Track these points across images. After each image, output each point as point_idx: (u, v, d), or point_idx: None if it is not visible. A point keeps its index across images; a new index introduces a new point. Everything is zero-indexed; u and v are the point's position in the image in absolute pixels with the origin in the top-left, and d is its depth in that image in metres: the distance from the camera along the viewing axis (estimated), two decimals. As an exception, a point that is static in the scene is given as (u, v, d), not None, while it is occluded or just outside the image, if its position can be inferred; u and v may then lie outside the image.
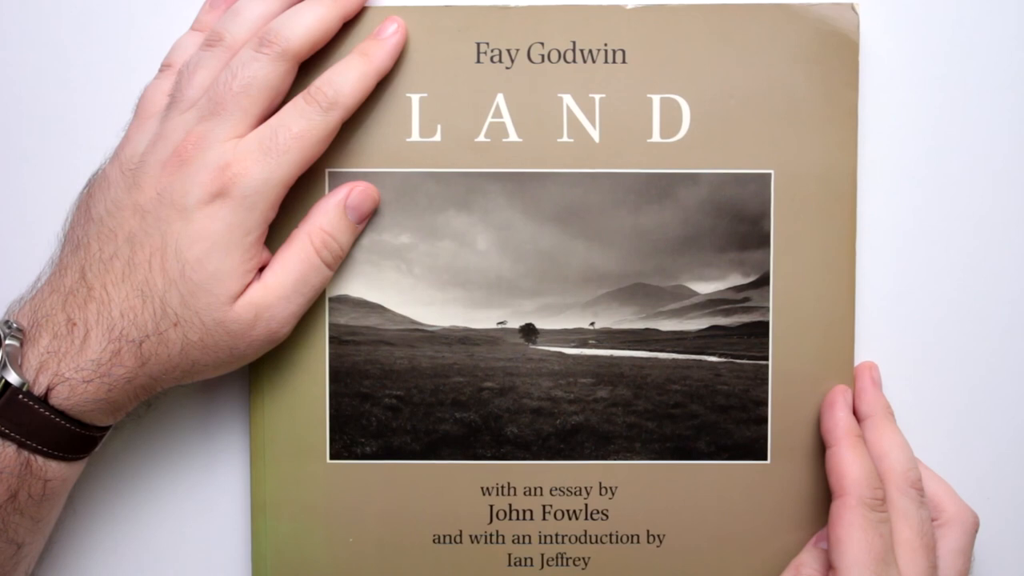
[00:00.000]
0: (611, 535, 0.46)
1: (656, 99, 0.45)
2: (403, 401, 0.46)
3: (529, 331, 0.46)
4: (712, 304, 0.46)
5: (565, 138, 0.45)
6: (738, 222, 0.45)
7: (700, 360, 0.46)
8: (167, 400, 0.46)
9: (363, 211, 0.44)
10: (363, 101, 0.43)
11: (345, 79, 0.42)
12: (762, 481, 0.45)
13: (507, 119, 0.45)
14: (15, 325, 0.40)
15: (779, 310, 0.45)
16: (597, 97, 0.45)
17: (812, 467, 0.45)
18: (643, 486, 0.46)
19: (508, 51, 0.45)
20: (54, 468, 0.40)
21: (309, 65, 0.43)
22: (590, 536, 0.46)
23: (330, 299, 0.45)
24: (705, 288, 0.46)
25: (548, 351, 0.46)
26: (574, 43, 0.45)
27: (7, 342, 0.39)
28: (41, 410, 0.39)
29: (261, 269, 0.42)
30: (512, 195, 0.45)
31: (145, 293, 0.40)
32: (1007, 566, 0.47)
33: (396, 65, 0.44)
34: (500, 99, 0.45)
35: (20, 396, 0.38)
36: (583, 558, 0.46)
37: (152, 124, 0.42)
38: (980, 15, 0.47)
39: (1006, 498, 0.47)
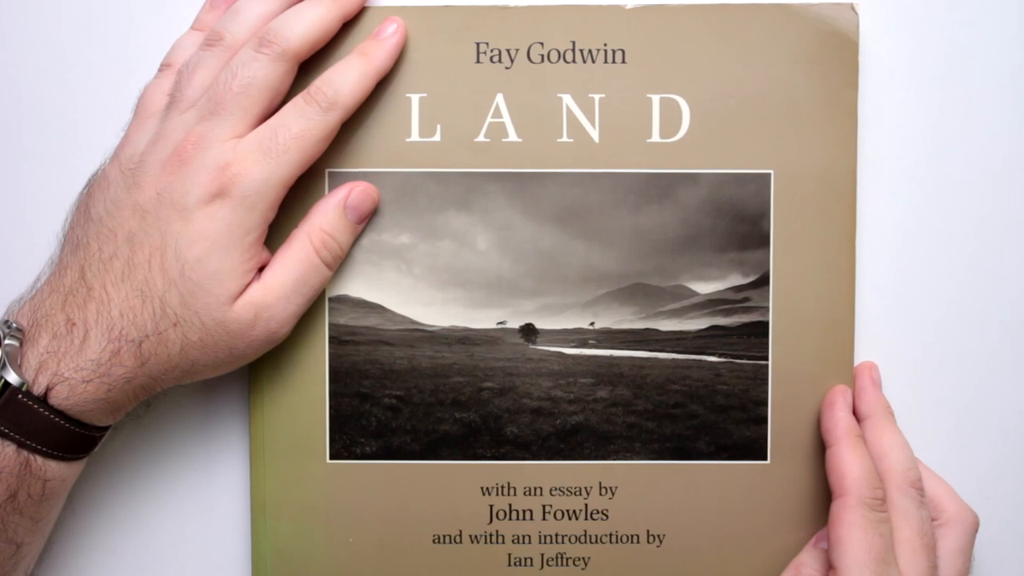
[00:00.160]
0: (611, 535, 0.46)
1: (656, 99, 0.45)
2: (403, 401, 0.46)
3: (529, 331, 0.46)
4: (712, 304, 0.46)
5: (565, 138, 0.45)
6: (738, 222, 0.45)
7: (700, 360, 0.46)
8: (167, 400, 0.46)
9: (363, 211, 0.44)
10: (363, 101, 0.43)
11: (345, 79, 0.42)
12: (762, 481, 0.45)
13: (507, 119, 0.45)
14: (15, 325, 0.40)
15: (779, 310, 0.45)
16: (597, 97, 0.45)
17: (812, 467, 0.45)
18: (643, 486, 0.46)
19: (508, 51, 0.45)
20: (53, 468, 0.40)
21: (309, 65, 0.43)
22: (590, 536, 0.46)
23: (330, 299, 0.45)
24: (705, 288, 0.46)
25: (548, 351, 0.46)
26: (574, 43, 0.45)
27: (7, 342, 0.39)
28: (40, 410, 0.39)
29: (261, 269, 0.42)
30: (512, 195, 0.45)
31: (145, 293, 0.40)
32: (1007, 566, 0.47)
33: (396, 65, 0.44)
34: (500, 99, 0.45)
35: (19, 396, 0.38)
36: (583, 558, 0.46)
37: (152, 124, 0.42)
38: (980, 15, 0.47)
39: (1006, 498, 0.47)
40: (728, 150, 0.45)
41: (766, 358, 0.45)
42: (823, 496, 0.45)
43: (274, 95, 0.42)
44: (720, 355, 0.46)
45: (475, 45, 0.45)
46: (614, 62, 0.45)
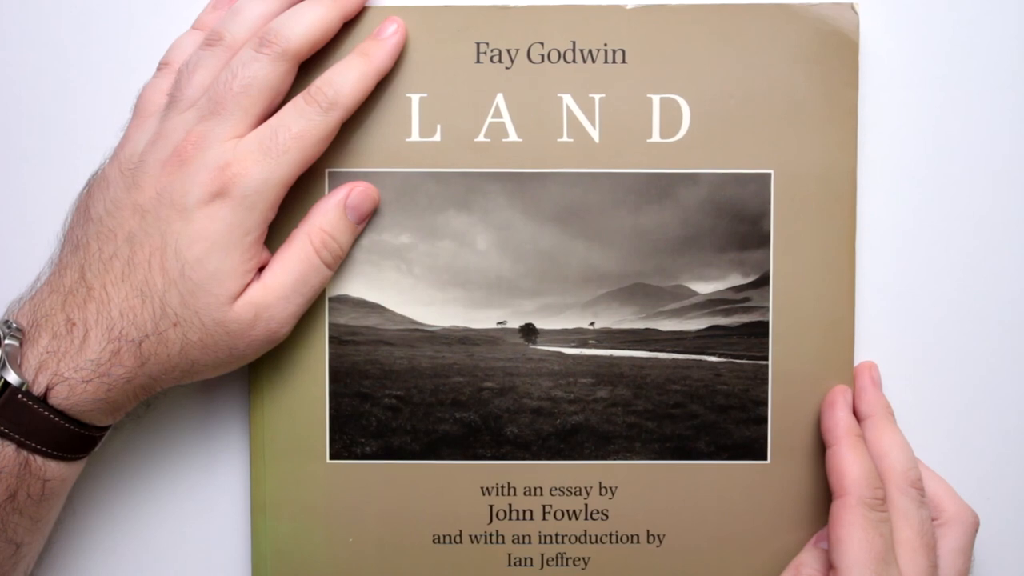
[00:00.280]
0: (611, 535, 0.46)
1: (656, 99, 0.45)
2: (403, 401, 0.46)
3: (529, 331, 0.46)
4: (712, 304, 0.46)
5: (565, 138, 0.45)
6: (738, 222, 0.45)
7: (700, 360, 0.46)
8: (167, 400, 0.46)
9: (363, 211, 0.44)
10: (363, 101, 0.43)
11: (345, 79, 0.42)
12: (762, 481, 0.45)
13: (507, 119, 0.45)
14: (14, 325, 0.40)
15: (779, 310, 0.45)
16: (597, 97, 0.45)
17: (812, 467, 0.45)
18: (643, 486, 0.45)
19: (508, 51, 0.45)
20: (53, 468, 0.40)
21: (309, 65, 0.43)
22: (590, 536, 0.46)
23: (330, 299, 0.45)
24: (705, 288, 0.46)
25: (548, 351, 0.46)
26: (574, 43, 0.45)
27: (6, 342, 0.39)
28: (40, 410, 0.39)
29: (261, 269, 0.42)
30: (512, 195, 0.45)
31: (145, 293, 0.40)
32: (1007, 566, 0.47)
33: (396, 65, 0.44)
34: (500, 99, 0.45)
35: (19, 396, 0.38)
36: (583, 558, 0.46)
37: (151, 123, 0.42)
38: (980, 15, 0.47)
39: (1006, 498, 0.47)
40: (728, 150, 0.45)
41: (766, 358, 0.45)
42: (823, 496, 0.45)
43: (274, 95, 0.42)
44: (720, 355, 0.46)
45: (475, 45, 0.45)
46: (614, 62, 0.45)
